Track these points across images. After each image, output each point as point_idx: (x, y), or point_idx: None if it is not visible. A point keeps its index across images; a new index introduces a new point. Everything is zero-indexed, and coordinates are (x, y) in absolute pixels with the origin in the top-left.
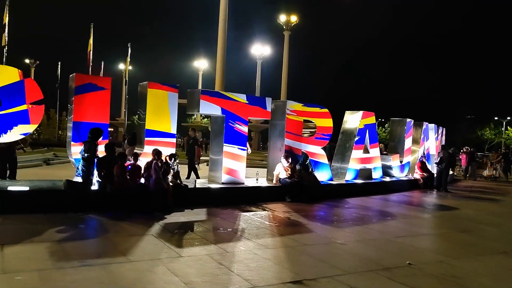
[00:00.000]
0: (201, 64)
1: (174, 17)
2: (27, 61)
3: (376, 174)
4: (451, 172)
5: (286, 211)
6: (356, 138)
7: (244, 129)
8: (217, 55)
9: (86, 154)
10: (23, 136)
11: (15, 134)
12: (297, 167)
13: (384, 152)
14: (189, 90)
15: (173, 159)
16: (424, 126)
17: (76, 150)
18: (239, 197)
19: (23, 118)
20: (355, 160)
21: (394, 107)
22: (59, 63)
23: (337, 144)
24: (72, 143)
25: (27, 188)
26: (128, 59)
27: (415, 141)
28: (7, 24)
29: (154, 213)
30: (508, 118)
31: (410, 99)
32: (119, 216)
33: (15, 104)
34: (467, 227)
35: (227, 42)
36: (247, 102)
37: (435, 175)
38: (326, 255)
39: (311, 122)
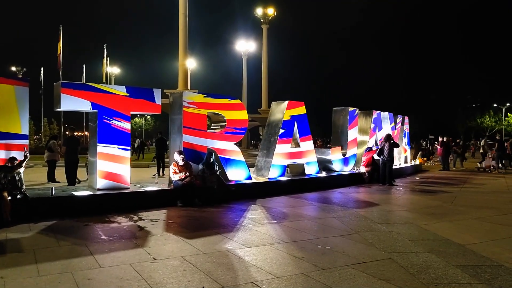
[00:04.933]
0: (188, 63)
1: (157, 17)
2: (13, 68)
3: (311, 170)
4: (417, 162)
5: (155, 219)
6: (281, 131)
7: (125, 125)
8: (178, 52)
9: None
10: None
11: None
12: (200, 166)
13: (328, 145)
14: (54, 84)
15: (15, 163)
16: (374, 115)
17: None
18: (114, 205)
19: None
20: (281, 155)
21: (389, 99)
22: (41, 68)
23: (262, 138)
24: None
25: None
26: (105, 61)
27: (363, 132)
28: None
29: None
30: (508, 104)
31: (407, 90)
32: None
33: None
34: (343, 232)
35: (189, 38)
36: (128, 94)
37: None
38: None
39: (220, 115)
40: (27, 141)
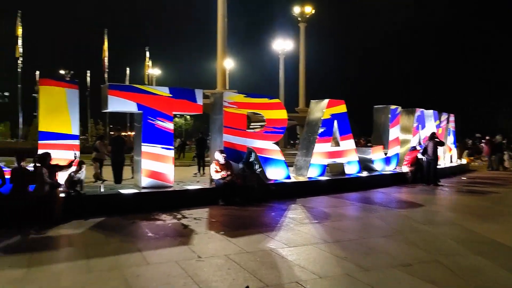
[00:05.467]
0: (226, 64)
1: (196, 18)
2: (61, 71)
3: (352, 169)
4: (463, 161)
5: (198, 217)
6: (320, 130)
7: (169, 125)
8: (217, 53)
9: None
10: None
11: None
12: (240, 165)
13: (369, 144)
14: (102, 86)
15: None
16: (417, 113)
17: None
18: (158, 203)
19: None
20: (321, 154)
21: (432, 97)
22: (88, 71)
23: (301, 137)
24: None
25: None
26: (147, 64)
27: (406, 130)
28: (20, 35)
29: (32, 228)
30: None
31: (445, 88)
32: None
33: None
34: (378, 233)
35: (227, 39)
36: (171, 95)
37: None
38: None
39: (260, 114)
40: (78, 141)
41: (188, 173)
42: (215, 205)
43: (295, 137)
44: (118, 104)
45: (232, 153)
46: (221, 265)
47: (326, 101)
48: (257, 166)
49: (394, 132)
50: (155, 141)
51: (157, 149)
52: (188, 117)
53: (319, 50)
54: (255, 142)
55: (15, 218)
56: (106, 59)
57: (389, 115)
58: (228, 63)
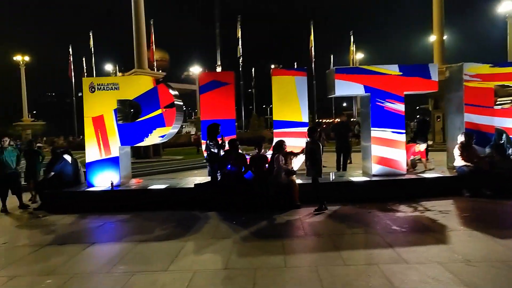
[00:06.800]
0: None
1: None
2: (272, 66)
3: None
4: None
5: (444, 210)
6: None
7: (399, 107)
8: (433, 24)
9: (205, 154)
10: (161, 139)
11: (154, 137)
12: (487, 149)
13: None
14: (327, 71)
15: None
16: None
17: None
18: (391, 192)
19: (159, 121)
20: None
21: None
22: (295, 63)
23: None
24: (202, 141)
25: (163, 187)
26: (352, 48)
27: None
28: (240, 37)
29: (272, 212)
30: None
31: None
32: (223, 215)
33: (152, 109)
34: None
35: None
36: (401, 73)
37: None
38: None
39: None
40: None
41: None
42: (457, 196)
43: None
44: (345, 87)
45: (477, 136)
46: (501, 274)
47: None
48: (510, 151)
49: None
50: (385, 125)
51: (387, 133)
52: None
53: None
54: (506, 121)
55: (258, 203)
56: (312, 49)
57: None
58: (442, 34)
